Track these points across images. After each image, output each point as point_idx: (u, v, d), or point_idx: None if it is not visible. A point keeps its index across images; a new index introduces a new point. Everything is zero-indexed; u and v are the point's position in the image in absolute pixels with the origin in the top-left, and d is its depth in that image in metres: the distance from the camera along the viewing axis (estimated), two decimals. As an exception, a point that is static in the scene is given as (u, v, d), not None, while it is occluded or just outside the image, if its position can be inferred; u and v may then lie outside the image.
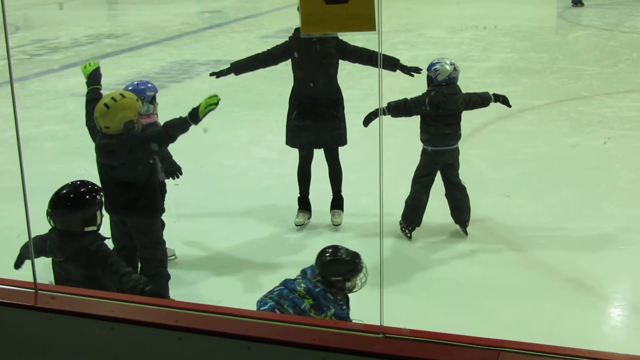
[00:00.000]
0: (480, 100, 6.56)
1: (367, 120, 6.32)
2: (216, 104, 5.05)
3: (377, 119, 6.25)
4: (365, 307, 5.32)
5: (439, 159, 6.50)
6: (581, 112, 10.65)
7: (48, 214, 4.46)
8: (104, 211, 4.68)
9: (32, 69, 15.04)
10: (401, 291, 5.59)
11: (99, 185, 4.76)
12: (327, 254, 4.53)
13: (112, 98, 5.04)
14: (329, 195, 6.98)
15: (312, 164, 6.97)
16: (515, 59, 14.86)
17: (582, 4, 22.78)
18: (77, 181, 4.60)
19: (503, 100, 6.63)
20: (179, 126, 5.07)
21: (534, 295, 5.61)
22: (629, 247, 6.39)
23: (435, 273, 6.05)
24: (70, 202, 4.46)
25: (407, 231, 6.64)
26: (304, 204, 6.99)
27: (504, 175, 8.13)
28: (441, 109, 6.34)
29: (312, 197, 7.04)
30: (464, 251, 6.37)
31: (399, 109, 6.34)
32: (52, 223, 4.48)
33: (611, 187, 7.72)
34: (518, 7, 23.09)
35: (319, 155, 6.93)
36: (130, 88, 5.83)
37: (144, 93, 5.82)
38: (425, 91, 6.44)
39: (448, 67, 6.38)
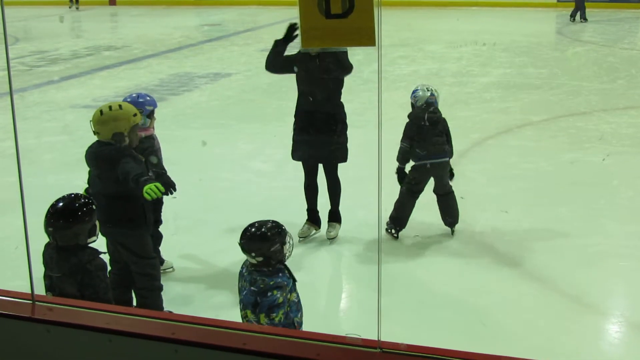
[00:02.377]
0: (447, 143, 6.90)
1: (400, 177, 6.86)
2: (154, 196, 4.86)
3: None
4: (362, 321, 5.32)
5: (433, 170, 6.79)
6: (580, 128, 10.67)
7: (49, 232, 4.40)
8: None
9: (32, 80, 15.06)
10: (398, 305, 5.57)
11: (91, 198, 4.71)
12: (246, 233, 4.32)
13: (110, 107, 5.10)
14: (327, 208, 6.98)
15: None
16: (514, 74, 14.90)
17: (586, 20, 22.89)
18: (70, 194, 4.54)
19: (450, 174, 6.97)
20: (131, 180, 4.98)
21: (531, 311, 5.60)
22: (627, 263, 6.39)
23: (432, 287, 6.04)
24: (73, 215, 4.41)
25: (393, 231, 6.90)
26: (312, 217, 7.00)
27: (502, 191, 8.14)
28: (431, 121, 6.72)
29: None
30: (461, 266, 6.36)
31: (405, 147, 6.77)
32: (53, 239, 4.42)
33: (610, 203, 7.72)
34: (517, 23, 23.20)
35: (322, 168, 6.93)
36: (129, 100, 5.80)
37: (143, 107, 5.79)
38: (409, 114, 6.87)
39: (427, 94, 6.84)
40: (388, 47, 17.42)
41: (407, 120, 6.86)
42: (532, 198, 7.92)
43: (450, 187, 6.92)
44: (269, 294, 4.19)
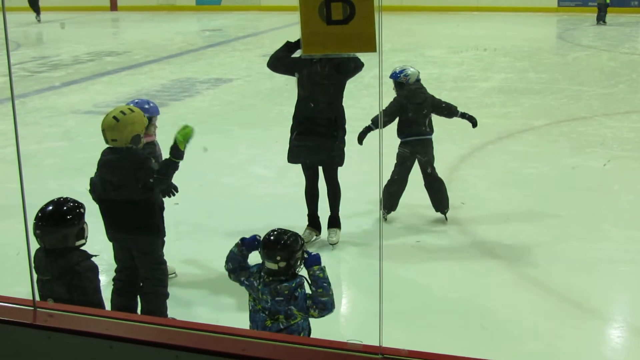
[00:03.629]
0: (446, 108, 7.34)
1: (361, 138, 6.99)
2: (189, 132, 5.14)
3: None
4: (363, 327, 5.31)
5: (414, 148, 7.16)
6: (581, 132, 10.67)
7: (37, 234, 4.41)
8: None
9: (33, 86, 15.07)
10: (399, 310, 5.56)
11: (81, 201, 4.70)
12: (269, 239, 4.31)
13: (121, 112, 5.06)
14: (326, 213, 6.97)
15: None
16: (515, 79, 14.90)
17: (605, 23, 23.01)
18: (59, 198, 4.56)
19: (469, 118, 7.38)
20: (169, 168, 5.13)
21: (532, 316, 5.59)
22: (628, 268, 6.38)
23: (433, 293, 6.03)
24: (60, 219, 4.43)
25: (383, 213, 7.33)
26: (312, 222, 7.00)
27: (503, 196, 8.13)
28: (416, 102, 7.12)
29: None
30: (463, 271, 6.35)
31: (385, 120, 7.09)
32: (41, 242, 4.44)
33: (610, 208, 7.72)
34: (518, 28, 23.20)
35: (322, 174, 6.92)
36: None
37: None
38: (397, 94, 7.20)
39: (415, 71, 7.25)
40: (388, 52, 17.43)
41: (397, 96, 7.19)
42: (533, 203, 7.91)
43: (436, 173, 7.26)
44: (296, 293, 4.23)
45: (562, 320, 5.53)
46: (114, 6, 32.83)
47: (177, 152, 5.09)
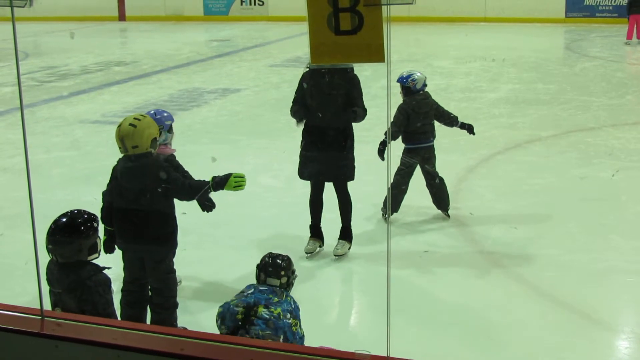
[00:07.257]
0: (447, 117, 7.52)
1: (381, 153, 7.14)
2: (244, 184, 5.37)
3: (386, 147, 6.73)
4: (371, 337, 5.30)
5: (418, 154, 7.35)
6: (589, 143, 10.65)
7: (49, 249, 4.40)
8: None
9: (41, 95, 15.12)
10: (407, 321, 5.56)
11: (95, 214, 4.70)
12: (276, 260, 4.60)
13: (135, 118, 5.06)
14: (337, 224, 6.94)
15: (324, 193, 6.93)
16: (523, 90, 14.89)
17: None
18: (73, 211, 4.54)
19: (468, 128, 7.60)
20: (204, 192, 5.28)
21: (540, 327, 5.58)
22: (635, 279, 6.36)
23: (440, 303, 6.02)
24: (74, 230, 4.41)
25: (385, 215, 7.57)
26: (315, 232, 6.96)
27: (511, 206, 8.12)
28: (422, 111, 7.28)
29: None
30: (470, 281, 6.34)
31: (395, 131, 7.23)
32: (53, 256, 4.43)
33: (618, 219, 7.70)
34: (525, 39, 23.19)
35: (329, 184, 6.90)
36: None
37: (163, 122, 5.79)
38: (404, 101, 7.33)
39: (422, 76, 7.38)
40: (396, 62, 17.43)
41: (403, 104, 7.29)
42: (541, 214, 7.90)
43: (437, 172, 7.43)
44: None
45: (569, 331, 5.51)
46: (122, 16, 32.93)
47: (219, 186, 5.27)
